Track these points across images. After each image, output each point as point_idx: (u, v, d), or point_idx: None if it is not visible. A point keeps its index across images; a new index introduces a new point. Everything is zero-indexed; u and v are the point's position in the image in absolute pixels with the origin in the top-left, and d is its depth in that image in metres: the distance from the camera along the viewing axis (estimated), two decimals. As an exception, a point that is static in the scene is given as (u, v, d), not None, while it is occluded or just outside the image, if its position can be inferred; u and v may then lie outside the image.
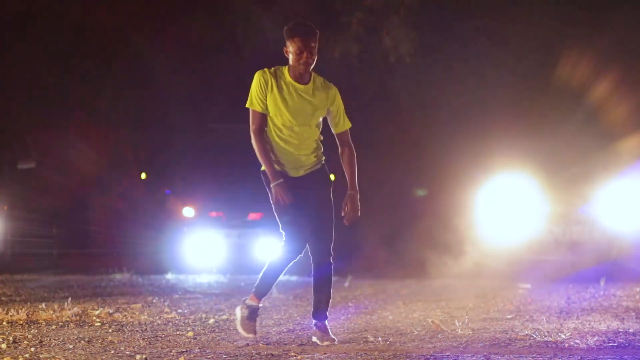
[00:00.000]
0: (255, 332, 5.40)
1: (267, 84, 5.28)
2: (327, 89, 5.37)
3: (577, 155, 10.97)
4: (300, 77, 5.30)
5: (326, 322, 5.42)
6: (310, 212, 5.40)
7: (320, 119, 5.42)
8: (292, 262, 5.45)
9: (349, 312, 7.05)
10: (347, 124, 5.45)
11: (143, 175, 14.31)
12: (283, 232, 5.39)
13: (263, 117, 5.32)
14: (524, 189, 10.76)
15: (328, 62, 12.53)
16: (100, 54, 14.12)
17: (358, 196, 5.45)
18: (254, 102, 5.31)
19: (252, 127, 5.32)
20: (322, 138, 5.47)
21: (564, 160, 11.00)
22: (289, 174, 5.36)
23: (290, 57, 5.28)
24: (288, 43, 5.27)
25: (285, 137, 5.33)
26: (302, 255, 5.42)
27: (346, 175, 5.49)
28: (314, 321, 5.43)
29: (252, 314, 5.40)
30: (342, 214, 5.41)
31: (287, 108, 5.29)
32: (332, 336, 5.34)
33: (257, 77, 5.30)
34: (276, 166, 5.33)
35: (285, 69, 5.33)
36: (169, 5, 14.39)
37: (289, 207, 5.32)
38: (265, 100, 5.29)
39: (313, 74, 5.35)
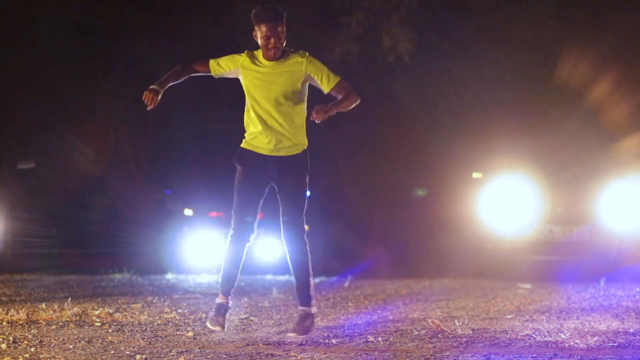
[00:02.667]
0: (222, 326, 5.46)
1: (238, 63, 5.44)
2: (300, 55, 5.44)
3: (577, 156, 10.96)
4: (272, 57, 5.40)
5: (309, 309, 5.46)
6: (283, 194, 5.48)
7: (303, 101, 5.46)
8: (247, 245, 5.52)
9: (349, 312, 7.04)
10: (336, 78, 5.45)
11: (142, 177, 14.31)
12: (233, 214, 5.48)
13: (204, 69, 5.53)
14: (524, 189, 10.76)
15: (328, 62, 12.53)
16: (100, 53, 14.11)
17: (332, 109, 5.33)
18: (215, 62, 5.51)
19: (194, 62, 5.57)
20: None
21: (564, 161, 10.99)
22: (267, 152, 5.44)
23: (259, 41, 5.39)
24: (256, 28, 5.38)
25: (263, 114, 5.41)
26: (252, 237, 5.50)
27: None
28: (299, 308, 5.52)
29: (219, 309, 5.49)
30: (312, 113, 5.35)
31: (263, 86, 5.39)
32: (304, 328, 5.37)
33: (233, 55, 5.49)
34: (252, 142, 5.45)
35: (260, 52, 5.44)
36: (169, 4, 14.38)
37: (249, 205, 5.45)
38: (223, 72, 5.49)
39: (286, 49, 5.44)
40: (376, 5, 13.44)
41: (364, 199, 13.79)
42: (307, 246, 5.52)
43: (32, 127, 14.26)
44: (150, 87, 5.49)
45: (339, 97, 5.43)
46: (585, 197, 10.55)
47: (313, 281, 5.62)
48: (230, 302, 5.59)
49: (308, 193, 5.56)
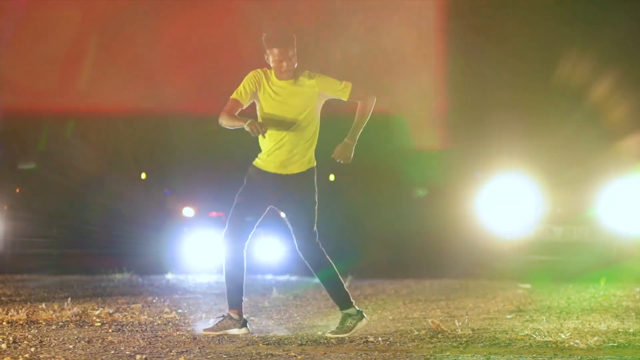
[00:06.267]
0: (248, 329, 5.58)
1: (258, 83, 5.52)
2: (312, 77, 5.54)
3: (577, 156, 10.96)
4: (285, 79, 5.52)
5: (349, 310, 5.60)
6: (291, 214, 5.60)
7: (315, 118, 5.51)
8: (244, 247, 5.58)
9: (349, 312, 7.03)
10: (348, 84, 5.55)
11: (143, 176, 14.30)
12: (230, 229, 5.56)
13: (238, 106, 5.54)
14: (524, 189, 10.75)
15: (328, 63, 12.53)
16: (100, 52, 14.11)
17: (353, 145, 5.58)
18: (239, 93, 5.53)
19: (224, 109, 5.54)
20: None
21: (564, 161, 10.98)
22: (273, 170, 5.53)
23: (271, 64, 5.50)
24: (267, 51, 5.50)
25: (274, 133, 5.51)
26: (248, 239, 5.57)
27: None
28: (343, 312, 5.65)
29: (243, 323, 5.59)
30: (332, 156, 5.57)
31: (277, 106, 5.48)
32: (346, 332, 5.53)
33: (250, 75, 5.54)
34: (260, 161, 5.55)
35: (272, 71, 5.55)
36: (169, 4, 14.37)
37: (246, 206, 5.54)
38: (250, 96, 5.52)
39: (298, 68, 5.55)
40: (377, 5, 13.44)
41: (364, 199, 13.77)
42: (326, 256, 5.61)
43: (32, 126, 14.24)
44: (247, 123, 5.46)
45: (359, 103, 5.57)
46: (585, 197, 10.55)
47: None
48: (241, 317, 5.62)
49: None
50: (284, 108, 5.48)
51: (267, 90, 5.51)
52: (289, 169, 5.54)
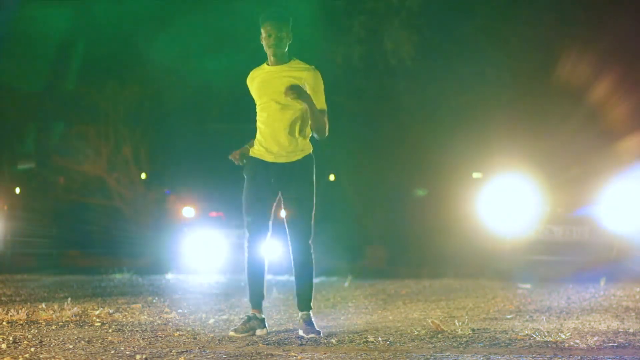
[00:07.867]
0: (241, 332, 5.53)
1: (251, 82, 5.55)
2: (307, 68, 5.46)
3: (577, 156, 10.96)
4: (278, 61, 5.45)
5: (310, 312, 5.59)
6: (288, 202, 5.55)
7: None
8: (263, 246, 5.67)
9: (349, 312, 7.04)
10: (323, 107, 5.45)
11: (143, 175, 14.30)
12: (244, 220, 5.64)
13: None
14: (524, 189, 10.76)
15: (330, 65, 12.54)
16: (100, 53, 14.12)
17: (305, 97, 5.38)
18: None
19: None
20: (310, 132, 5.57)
21: (564, 161, 10.99)
22: (267, 158, 5.50)
23: (263, 43, 5.46)
24: (262, 30, 5.46)
25: (265, 120, 5.49)
26: (267, 236, 5.65)
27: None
28: (299, 313, 5.61)
29: (246, 321, 5.57)
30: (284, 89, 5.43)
31: (267, 90, 5.45)
32: (317, 329, 5.50)
33: (247, 83, 5.60)
34: (256, 150, 5.53)
35: (266, 62, 5.52)
36: (170, 4, 14.39)
37: (253, 205, 5.56)
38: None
39: (295, 58, 5.49)
40: (378, 8, 13.45)
41: (364, 199, 13.78)
42: (312, 251, 5.61)
43: (32, 126, 14.26)
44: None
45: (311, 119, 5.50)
46: (585, 197, 10.55)
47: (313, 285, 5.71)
48: (263, 316, 5.63)
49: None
50: (273, 89, 5.41)
51: (258, 80, 5.49)
52: (283, 158, 5.49)
